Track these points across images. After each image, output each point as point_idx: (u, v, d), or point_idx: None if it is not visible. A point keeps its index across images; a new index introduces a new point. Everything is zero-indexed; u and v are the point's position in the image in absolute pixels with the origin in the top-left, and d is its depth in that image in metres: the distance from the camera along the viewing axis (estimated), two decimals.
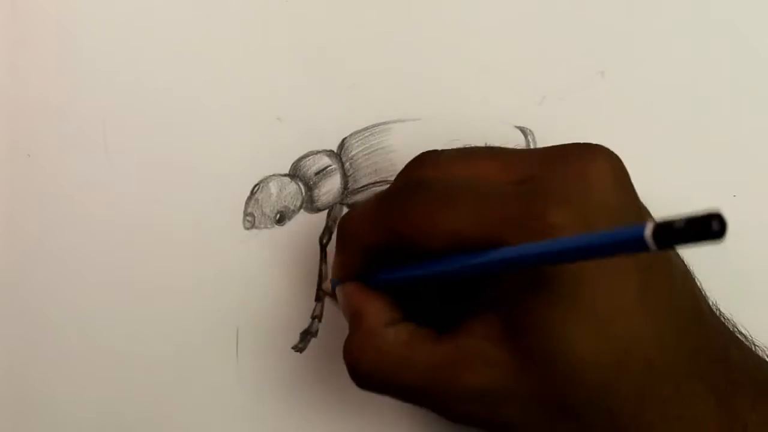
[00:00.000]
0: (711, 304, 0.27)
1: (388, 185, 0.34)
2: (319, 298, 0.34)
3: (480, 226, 0.24)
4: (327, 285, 0.33)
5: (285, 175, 0.35)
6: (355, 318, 0.28)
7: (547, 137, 0.34)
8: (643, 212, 0.26)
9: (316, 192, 0.34)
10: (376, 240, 0.27)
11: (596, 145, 0.26)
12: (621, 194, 0.25)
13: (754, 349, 0.28)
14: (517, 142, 0.34)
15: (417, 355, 0.26)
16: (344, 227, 0.28)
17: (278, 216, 0.34)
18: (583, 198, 0.24)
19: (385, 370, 0.26)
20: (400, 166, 0.34)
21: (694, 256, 0.26)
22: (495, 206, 0.24)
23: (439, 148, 0.34)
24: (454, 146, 0.29)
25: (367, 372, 0.27)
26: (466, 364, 0.25)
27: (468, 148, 0.28)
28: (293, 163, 0.35)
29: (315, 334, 0.34)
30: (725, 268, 0.31)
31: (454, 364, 0.25)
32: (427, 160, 0.27)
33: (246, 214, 0.34)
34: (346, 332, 0.34)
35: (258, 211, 0.34)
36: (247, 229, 0.34)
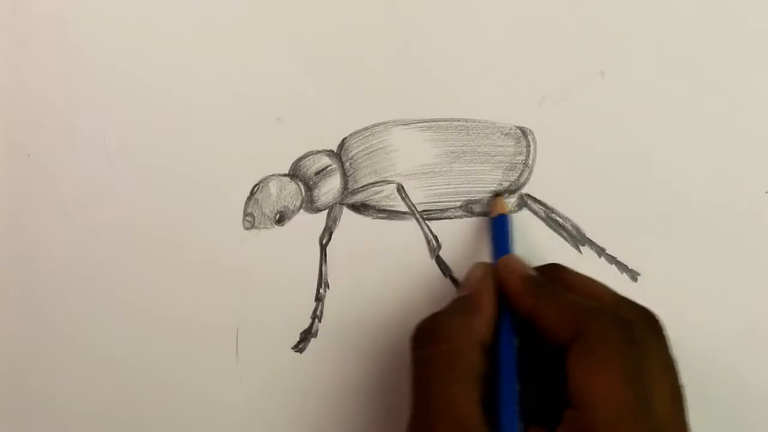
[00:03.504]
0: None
1: (386, 185, 0.34)
2: (319, 298, 0.34)
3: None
4: (500, 206, 0.33)
5: (285, 175, 0.35)
6: (471, 307, 0.29)
7: (547, 137, 0.34)
8: None
9: (316, 192, 0.34)
10: (551, 321, 0.27)
11: None
12: None
13: None
14: (517, 141, 0.34)
15: (461, 394, 0.27)
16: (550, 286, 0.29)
17: (278, 216, 0.34)
18: None
19: (441, 371, 0.27)
20: (400, 166, 0.34)
21: None
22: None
23: (440, 147, 0.34)
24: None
25: (435, 355, 0.28)
26: None
27: (674, 368, 0.28)
28: (293, 163, 0.35)
29: (315, 334, 0.34)
30: None
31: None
32: (652, 329, 0.28)
33: (246, 214, 0.34)
34: (347, 333, 0.34)
35: (258, 211, 0.34)
36: (247, 229, 0.34)
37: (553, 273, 0.31)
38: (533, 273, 0.30)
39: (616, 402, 0.25)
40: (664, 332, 0.28)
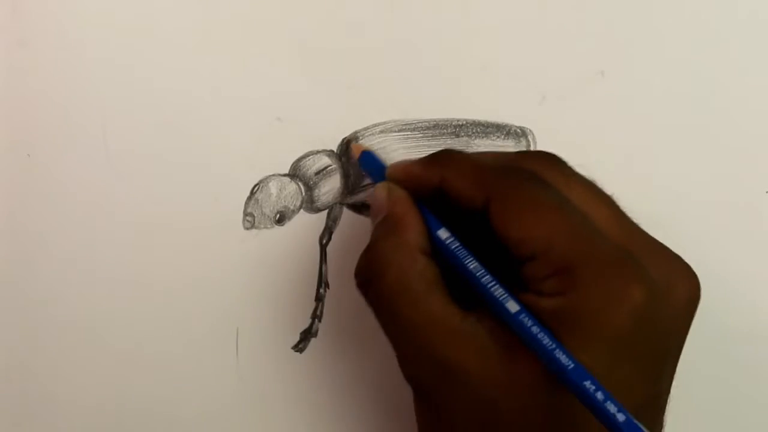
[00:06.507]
0: None
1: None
2: (319, 298, 0.34)
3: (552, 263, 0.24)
4: (356, 148, 0.32)
5: (285, 175, 0.35)
6: (394, 225, 0.27)
7: (547, 137, 0.34)
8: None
9: (316, 192, 0.34)
10: (461, 185, 0.26)
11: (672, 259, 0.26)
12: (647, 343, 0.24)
13: None
14: (517, 141, 0.34)
15: (431, 302, 0.25)
16: (452, 153, 0.28)
17: (278, 216, 0.34)
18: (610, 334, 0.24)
19: (399, 294, 0.26)
20: None
21: None
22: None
23: (440, 148, 0.34)
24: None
25: (385, 285, 0.26)
26: (461, 342, 0.25)
27: (594, 184, 0.27)
28: (293, 163, 0.35)
29: (315, 334, 0.34)
30: None
31: (453, 333, 0.25)
32: (556, 163, 0.27)
33: (246, 214, 0.34)
34: (347, 333, 0.34)
35: (258, 211, 0.34)
36: (247, 229, 0.34)
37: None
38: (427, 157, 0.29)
39: (564, 233, 0.24)
40: (568, 164, 0.27)
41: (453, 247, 0.26)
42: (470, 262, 0.26)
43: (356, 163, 0.34)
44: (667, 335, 0.25)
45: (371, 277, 0.27)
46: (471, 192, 0.26)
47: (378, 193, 0.28)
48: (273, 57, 0.35)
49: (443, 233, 0.27)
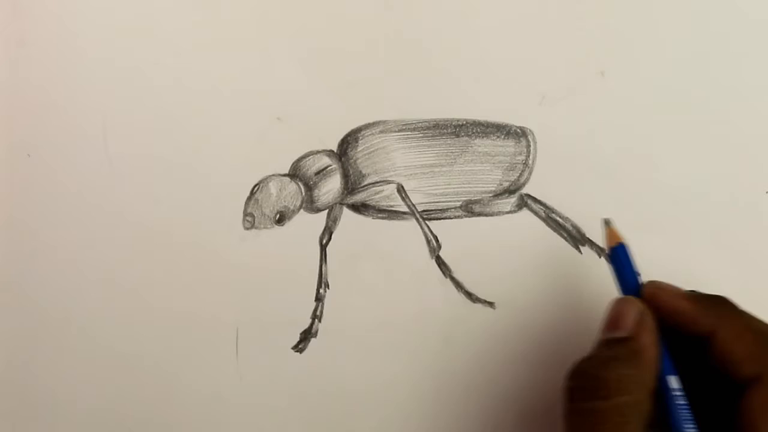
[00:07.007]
0: None
1: (386, 185, 0.33)
2: (319, 298, 0.34)
3: None
4: (613, 235, 0.29)
5: (285, 175, 0.35)
6: (638, 354, 0.26)
7: (547, 137, 0.34)
8: None
9: (316, 192, 0.34)
10: (736, 348, 0.25)
11: None
12: None
13: None
14: (517, 141, 0.34)
15: None
16: (728, 306, 0.26)
17: (278, 216, 0.34)
18: None
19: (612, 425, 0.24)
20: (401, 166, 0.34)
21: None
22: None
23: (440, 148, 0.34)
24: None
25: (603, 408, 0.25)
26: None
27: None
28: (293, 163, 0.35)
29: (315, 334, 0.34)
30: None
31: None
32: None
33: (246, 214, 0.34)
34: (347, 333, 0.34)
35: (258, 211, 0.34)
36: (247, 229, 0.34)
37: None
38: (700, 293, 0.27)
39: None
40: None
41: (678, 402, 0.25)
42: (689, 427, 0.25)
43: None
44: None
45: (596, 391, 0.25)
46: (744, 359, 0.25)
47: (624, 307, 0.27)
48: (273, 57, 0.35)
49: (674, 382, 0.26)
